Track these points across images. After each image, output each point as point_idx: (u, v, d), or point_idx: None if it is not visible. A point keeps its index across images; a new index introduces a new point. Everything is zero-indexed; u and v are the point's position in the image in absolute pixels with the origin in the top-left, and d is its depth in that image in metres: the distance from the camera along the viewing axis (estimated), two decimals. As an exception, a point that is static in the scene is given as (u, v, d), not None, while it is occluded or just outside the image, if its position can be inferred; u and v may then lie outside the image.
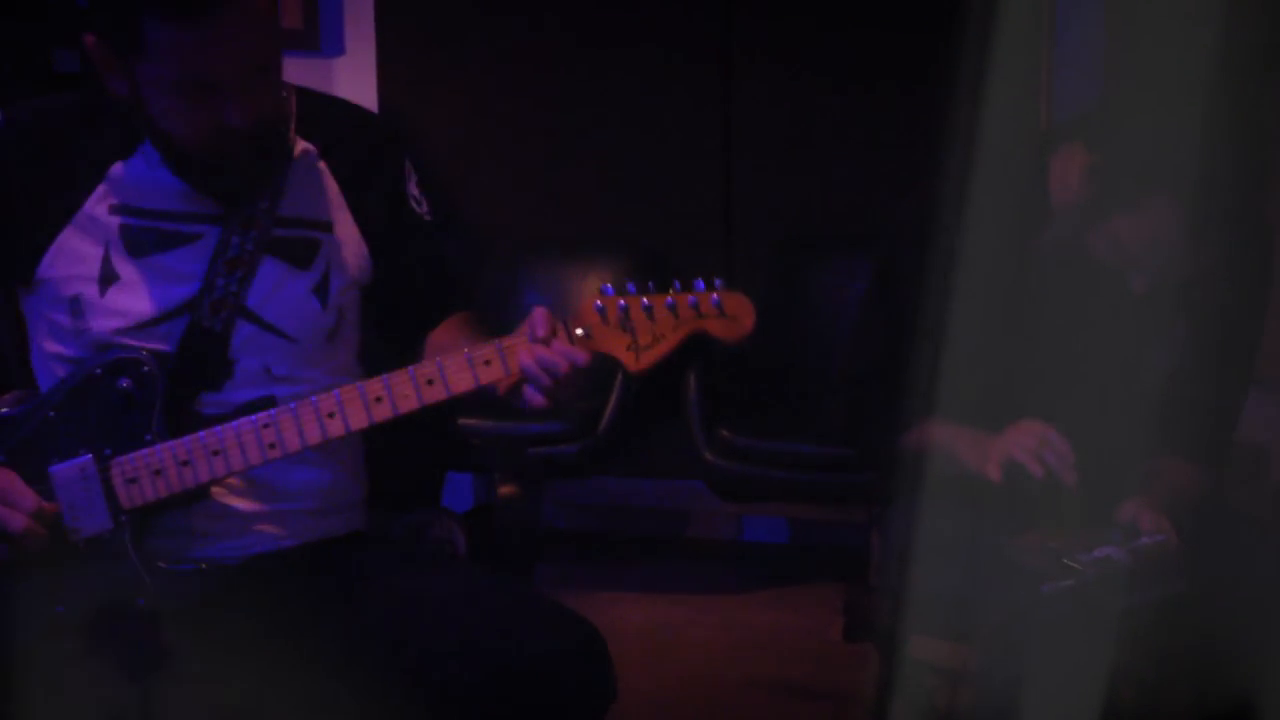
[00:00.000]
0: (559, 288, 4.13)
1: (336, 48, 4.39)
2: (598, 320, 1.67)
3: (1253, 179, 1.86)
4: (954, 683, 2.05)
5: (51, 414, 1.69)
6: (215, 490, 1.71)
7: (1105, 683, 1.83)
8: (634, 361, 1.68)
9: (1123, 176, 1.87)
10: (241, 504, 1.73)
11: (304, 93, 1.81)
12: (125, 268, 1.71)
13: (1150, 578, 1.81)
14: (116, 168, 1.73)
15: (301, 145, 1.78)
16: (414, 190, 1.86)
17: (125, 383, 1.68)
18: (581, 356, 1.66)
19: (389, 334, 1.82)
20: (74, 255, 1.72)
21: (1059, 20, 3.92)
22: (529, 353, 1.65)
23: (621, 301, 1.67)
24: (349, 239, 1.80)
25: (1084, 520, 1.88)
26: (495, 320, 1.82)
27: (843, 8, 4.11)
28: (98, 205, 1.72)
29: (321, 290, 1.77)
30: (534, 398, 1.67)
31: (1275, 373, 2.28)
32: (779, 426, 3.74)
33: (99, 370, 1.69)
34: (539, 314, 1.67)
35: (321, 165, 1.80)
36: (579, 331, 1.67)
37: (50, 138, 1.75)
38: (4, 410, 1.73)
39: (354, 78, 4.35)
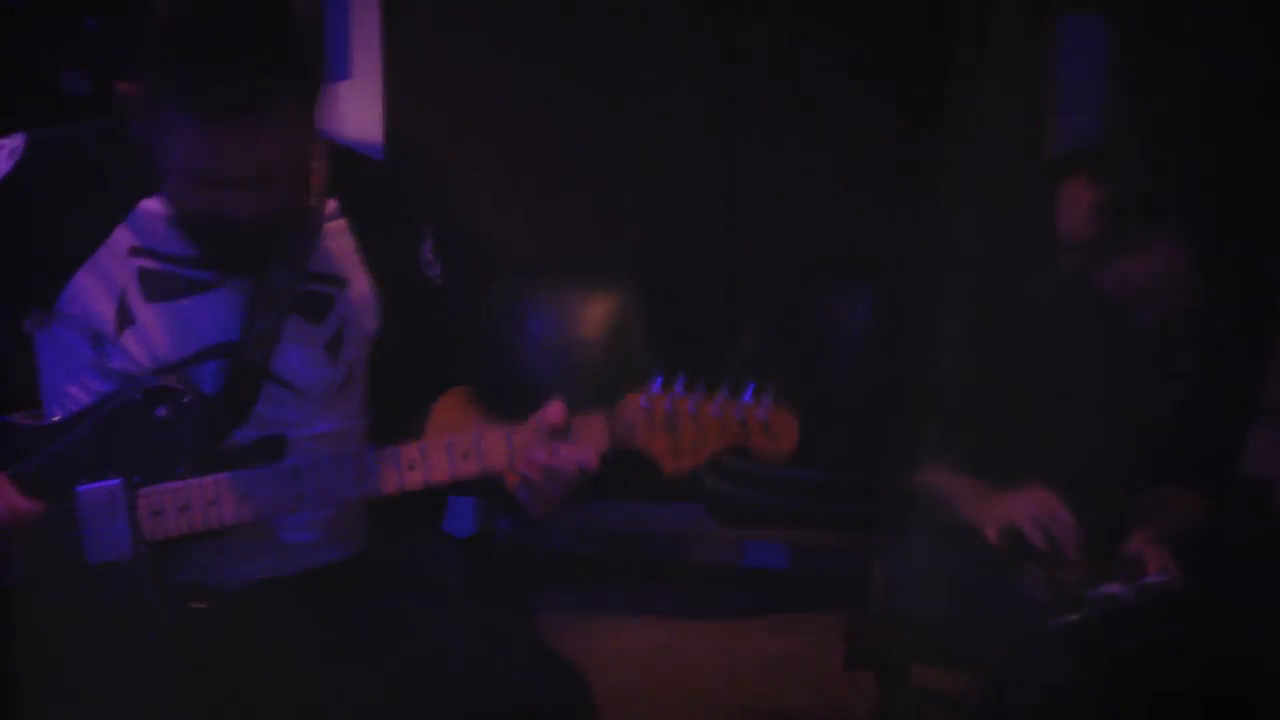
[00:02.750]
0: (564, 313, 4.13)
1: (342, 71, 4.39)
2: (643, 419, 1.66)
3: (1259, 213, 1.86)
4: (955, 712, 2.04)
5: (85, 433, 1.68)
6: None
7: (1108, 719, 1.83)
8: (671, 464, 1.68)
9: (1130, 213, 1.87)
10: (245, 535, 1.72)
11: (332, 146, 1.78)
12: (142, 311, 1.70)
13: (1154, 616, 1.80)
14: (140, 207, 1.71)
15: (327, 203, 1.77)
16: (428, 254, 1.84)
17: (163, 412, 1.67)
18: (589, 460, 1.63)
19: (391, 396, 1.80)
20: (91, 295, 1.70)
21: (1061, 50, 3.93)
22: (534, 460, 1.62)
23: (667, 404, 1.65)
24: (363, 296, 1.78)
25: (1088, 553, 1.87)
26: (496, 361, 1.79)
27: (846, 34, 4.12)
28: (118, 245, 1.70)
29: (333, 346, 1.76)
30: (535, 508, 1.65)
31: (1277, 404, 2.28)
32: (780, 452, 3.73)
33: (139, 396, 1.67)
34: (554, 406, 1.65)
35: (342, 222, 1.78)
36: (621, 427, 1.66)
37: (76, 169, 1.72)
38: (40, 421, 1.72)
39: (360, 101, 4.35)
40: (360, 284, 1.79)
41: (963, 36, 4.02)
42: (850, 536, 3.70)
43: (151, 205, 1.71)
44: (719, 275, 4.25)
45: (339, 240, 1.78)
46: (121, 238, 1.71)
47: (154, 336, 1.70)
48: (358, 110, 4.33)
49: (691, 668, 3.50)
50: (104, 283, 1.70)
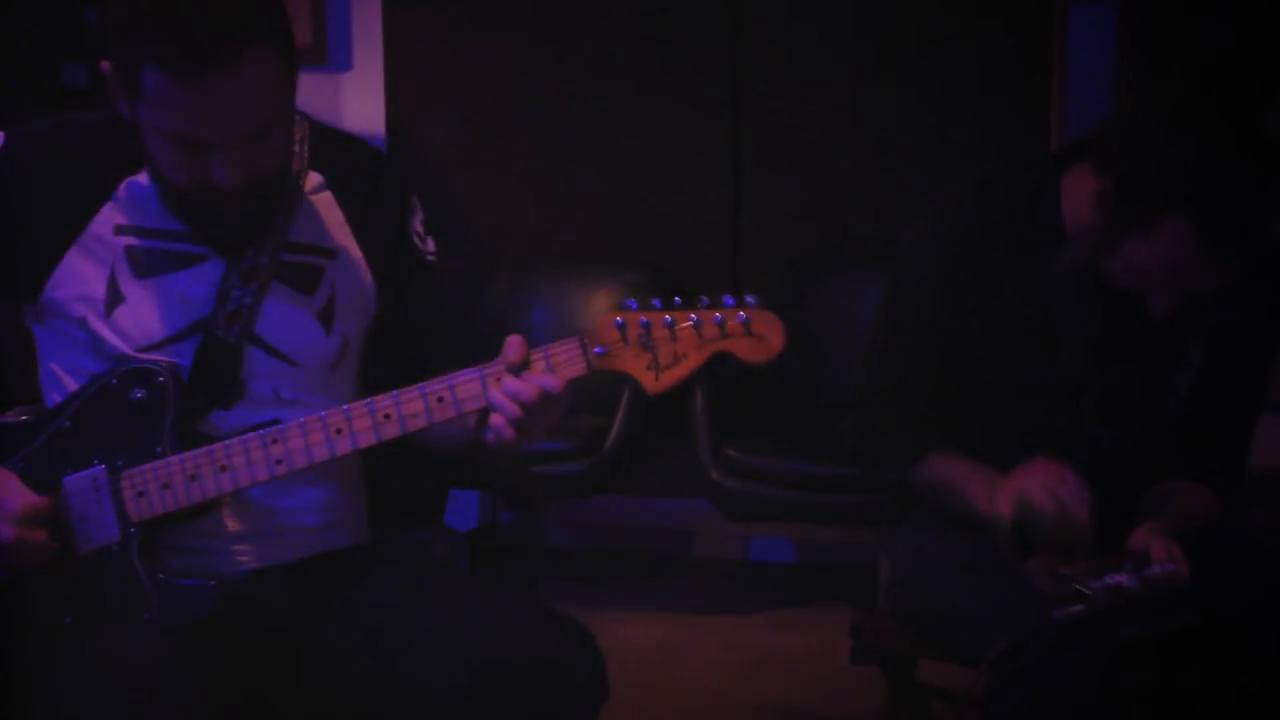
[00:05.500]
0: (567, 304, 4.13)
1: (344, 63, 4.39)
2: (617, 338, 1.60)
3: (1267, 198, 1.84)
4: (961, 706, 2.02)
5: (67, 423, 1.69)
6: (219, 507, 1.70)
7: (1114, 712, 1.81)
8: (653, 382, 1.61)
9: (1132, 198, 1.85)
10: (242, 522, 1.72)
11: (315, 125, 1.80)
12: (131, 289, 1.70)
13: (1161, 607, 1.79)
14: (124, 186, 1.71)
15: (312, 177, 1.77)
16: (418, 228, 1.84)
17: (139, 393, 1.67)
18: (553, 384, 1.60)
19: (388, 376, 1.77)
20: (79, 277, 1.70)
21: (1071, 38, 3.91)
22: (496, 382, 1.61)
23: (643, 318, 1.60)
24: (354, 266, 1.79)
25: (1095, 546, 1.86)
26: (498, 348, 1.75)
27: (853, 25, 4.11)
28: (103, 225, 1.71)
29: (325, 316, 1.76)
30: (503, 430, 1.62)
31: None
32: (786, 446, 3.73)
33: (114, 380, 1.68)
34: (512, 341, 1.62)
35: (328, 195, 1.79)
36: (596, 350, 1.61)
37: (56, 157, 1.73)
38: (22, 417, 1.72)
39: (362, 93, 4.35)
40: (351, 254, 1.79)
41: (973, 27, 4.01)
42: (857, 531, 3.70)
43: (137, 182, 1.72)
44: (725, 268, 4.24)
45: (326, 212, 1.78)
46: (108, 216, 1.71)
47: (142, 313, 1.70)
48: (359, 102, 4.33)
49: (697, 663, 3.50)
50: (93, 263, 1.71)
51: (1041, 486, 1.86)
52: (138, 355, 1.69)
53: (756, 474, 3.69)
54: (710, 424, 3.74)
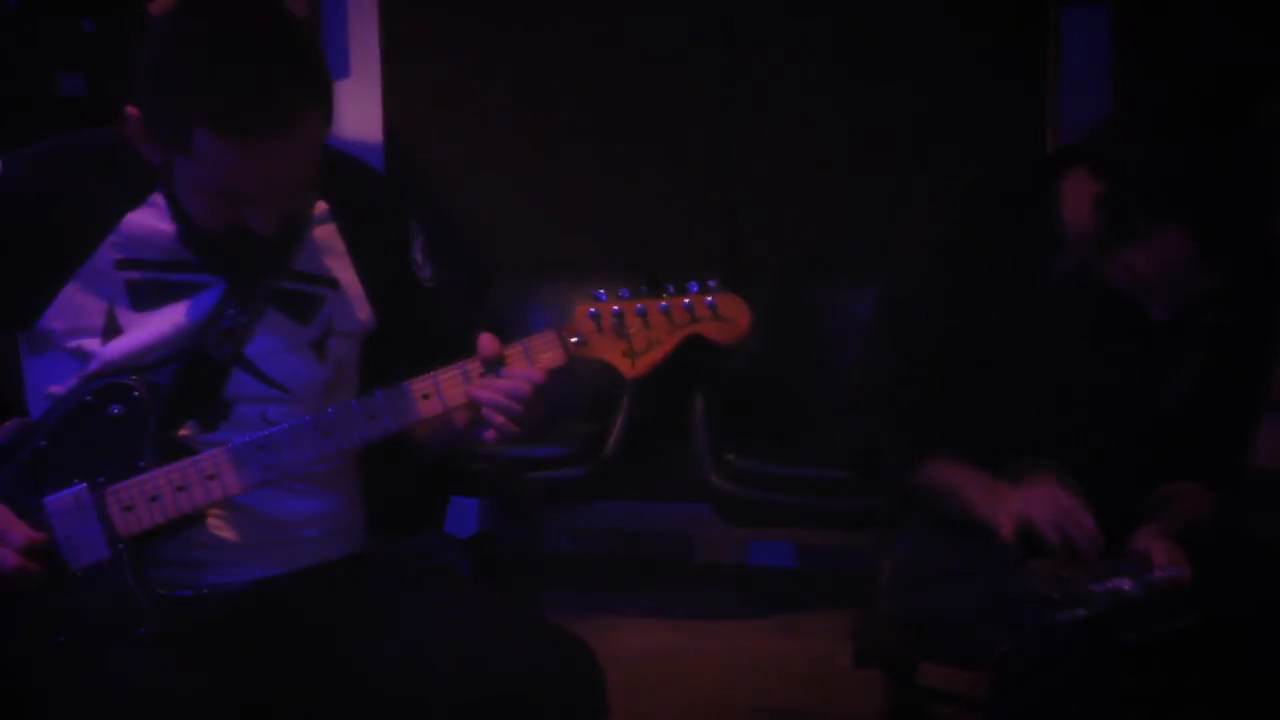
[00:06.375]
0: (564, 310, 4.12)
1: (341, 70, 4.39)
2: (592, 327, 1.67)
3: (1264, 201, 1.84)
4: (963, 710, 2.02)
5: (43, 443, 1.67)
6: (212, 522, 1.68)
7: (1116, 715, 1.81)
8: (630, 368, 1.68)
9: (1131, 205, 1.85)
10: (239, 534, 1.71)
11: (324, 149, 1.77)
12: (129, 320, 1.69)
13: (1162, 611, 1.79)
14: (127, 219, 1.70)
15: (319, 206, 1.77)
16: (418, 256, 1.86)
17: (116, 409, 1.65)
18: (537, 374, 1.65)
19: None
20: (78, 310, 1.69)
21: (1064, 42, 3.92)
22: (485, 384, 1.64)
23: (615, 307, 1.67)
24: (353, 297, 1.79)
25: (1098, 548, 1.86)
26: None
27: (848, 31, 4.12)
28: (104, 260, 1.69)
29: (320, 345, 1.76)
30: (501, 426, 1.65)
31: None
32: (786, 450, 3.73)
33: (89, 398, 1.66)
34: (484, 338, 1.66)
35: (332, 226, 1.79)
36: (573, 339, 1.67)
37: (55, 186, 1.71)
38: None
39: (359, 100, 4.35)
40: (350, 285, 1.79)
41: (965, 32, 4.01)
42: (857, 534, 3.69)
43: (138, 217, 1.70)
44: (722, 272, 4.22)
45: (329, 242, 1.78)
46: (107, 253, 1.70)
47: (138, 342, 1.69)
48: (357, 109, 4.33)
49: (698, 668, 3.49)
50: (92, 296, 1.69)
51: (1047, 520, 1.86)
52: (114, 374, 1.68)
53: (756, 479, 3.69)
54: (710, 429, 3.74)
